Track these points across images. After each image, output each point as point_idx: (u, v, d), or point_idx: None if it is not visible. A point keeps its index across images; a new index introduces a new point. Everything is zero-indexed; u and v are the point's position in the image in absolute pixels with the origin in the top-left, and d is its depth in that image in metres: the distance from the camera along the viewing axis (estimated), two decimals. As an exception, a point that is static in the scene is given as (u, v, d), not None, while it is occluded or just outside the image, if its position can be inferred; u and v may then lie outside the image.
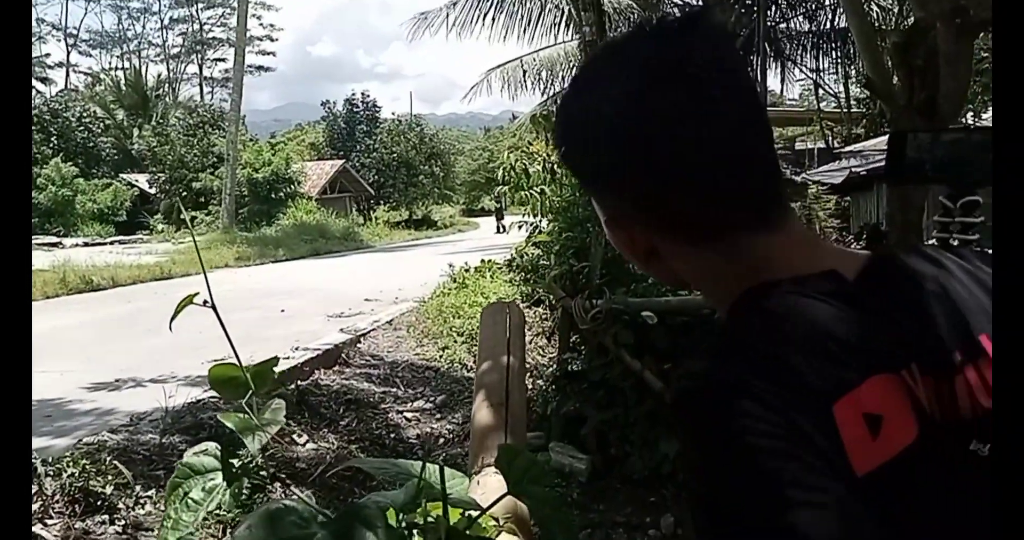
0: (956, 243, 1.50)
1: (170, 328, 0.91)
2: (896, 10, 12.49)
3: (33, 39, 59.22)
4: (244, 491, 0.82)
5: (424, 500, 0.80)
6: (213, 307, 0.89)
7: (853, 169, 11.01)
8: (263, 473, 0.85)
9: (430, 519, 0.80)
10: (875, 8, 12.75)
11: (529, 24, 13.72)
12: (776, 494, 0.59)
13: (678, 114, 0.70)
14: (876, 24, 11.41)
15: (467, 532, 0.82)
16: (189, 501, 0.78)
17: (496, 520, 1.00)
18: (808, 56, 15.58)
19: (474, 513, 0.91)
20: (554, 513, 0.82)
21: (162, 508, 2.99)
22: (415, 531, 0.79)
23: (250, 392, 0.87)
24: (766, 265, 0.74)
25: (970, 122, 4.65)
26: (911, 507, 0.64)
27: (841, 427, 0.61)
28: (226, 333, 0.87)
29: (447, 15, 14.25)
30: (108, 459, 3.43)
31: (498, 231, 30.66)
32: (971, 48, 3.24)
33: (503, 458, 0.85)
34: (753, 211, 0.74)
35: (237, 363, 0.90)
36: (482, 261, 11.48)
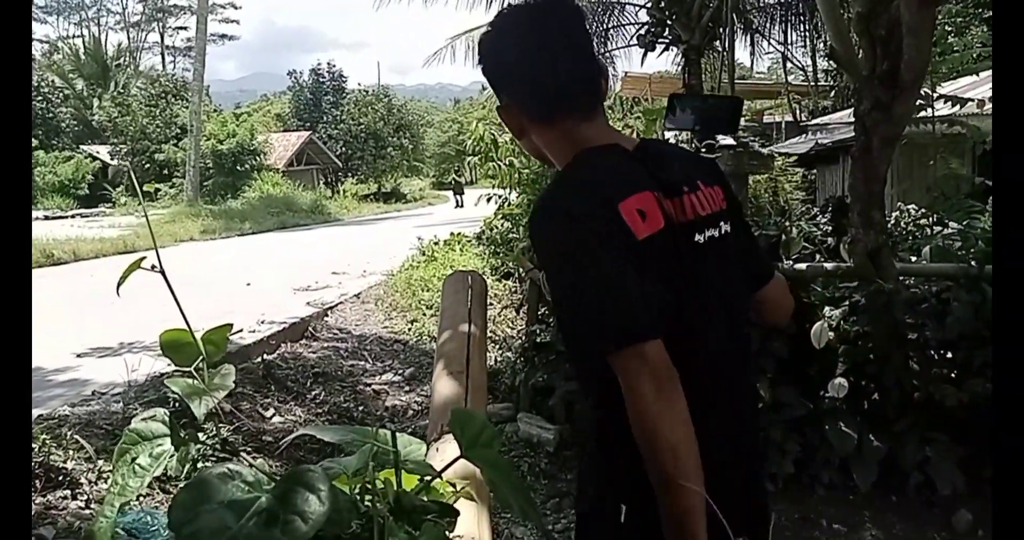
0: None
1: (117, 293, 0.89)
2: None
3: (-15, 5, 57.16)
4: (193, 457, 0.81)
5: (372, 465, 0.80)
6: (162, 272, 0.87)
7: (819, 142, 11.10)
8: (214, 439, 0.84)
9: (381, 484, 0.80)
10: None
11: (494, -7, 13.54)
12: (592, 247, 1.14)
13: (531, 46, 1.28)
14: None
15: (418, 495, 0.82)
16: (136, 467, 0.77)
17: (453, 485, 1.01)
18: (777, 29, 15.56)
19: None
20: (505, 476, 0.83)
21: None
22: (366, 496, 0.79)
23: (200, 357, 0.86)
24: (585, 141, 1.28)
25: (930, 91, 4.69)
26: (668, 263, 1.20)
27: (624, 215, 1.16)
28: (174, 296, 0.86)
29: (413, -18, 14.00)
30: (69, 433, 3.39)
31: (457, 205, 30.27)
32: (933, 18, 3.26)
33: (456, 422, 0.85)
34: (577, 107, 1.29)
35: (188, 328, 0.89)
36: (451, 234, 11.45)
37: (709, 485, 1.07)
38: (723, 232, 1.28)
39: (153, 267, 0.90)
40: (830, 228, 5.24)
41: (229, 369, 0.85)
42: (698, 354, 1.20)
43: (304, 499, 0.67)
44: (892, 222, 5.14)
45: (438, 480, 0.94)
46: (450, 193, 34.33)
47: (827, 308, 3.77)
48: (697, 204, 1.25)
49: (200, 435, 0.83)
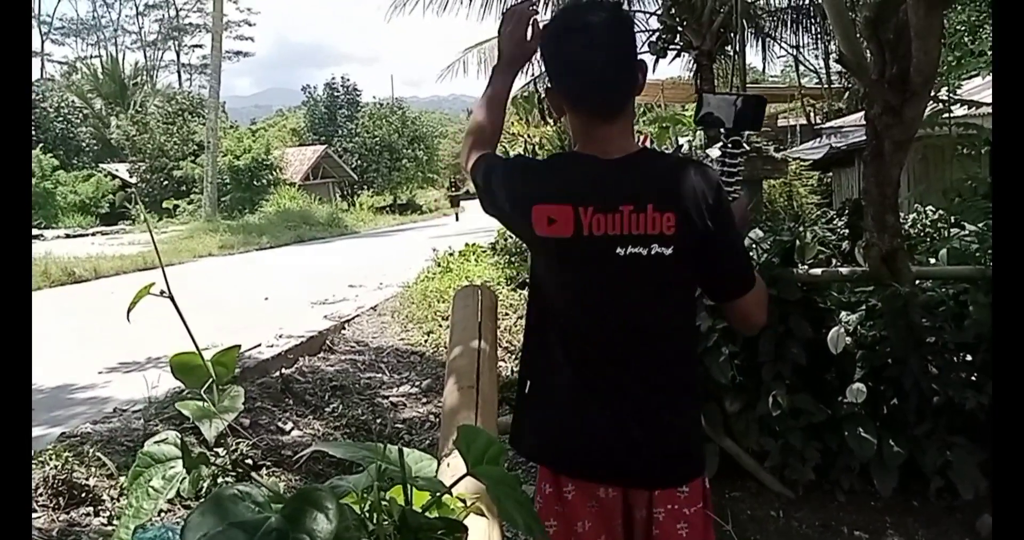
0: (726, 166, 2.06)
1: (128, 318, 0.91)
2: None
3: (5, 28, 58.10)
4: (205, 478, 0.83)
5: (376, 483, 0.81)
6: (171, 297, 0.89)
7: (834, 145, 11.05)
8: (226, 461, 0.86)
9: (387, 503, 0.81)
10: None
11: (507, 3, 13.61)
12: (493, 186, 1.63)
13: (568, 46, 1.53)
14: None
15: (426, 512, 0.83)
16: (149, 489, 0.79)
17: (463, 501, 1.02)
18: (788, 32, 15.52)
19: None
20: (510, 492, 0.84)
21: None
22: (374, 514, 0.80)
23: (210, 380, 0.88)
24: (591, 139, 1.55)
25: (942, 94, 4.68)
26: (568, 267, 1.53)
27: (533, 214, 1.49)
28: (183, 319, 0.88)
29: (424, -4, 14.09)
30: (91, 450, 3.43)
31: (457, 218, 29.47)
32: (940, 21, 3.25)
33: (462, 439, 0.86)
34: (594, 109, 1.53)
35: (197, 351, 0.91)
36: (466, 245, 11.47)
37: (591, 439, 1.54)
38: (652, 253, 1.48)
39: (162, 292, 0.92)
40: (846, 232, 5.22)
41: (238, 390, 0.87)
42: (578, 333, 1.56)
43: (313, 518, 0.68)
44: (908, 225, 5.12)
45: (448, 496, 0.96)
46: (476, 202, 34.15)
47: (844, 313, 3.75)
48: (633, 224, 1.47)
49: (217, 453, 0.84)
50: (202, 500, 0.71)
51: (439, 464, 1.15)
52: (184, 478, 0.79)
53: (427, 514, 0.83)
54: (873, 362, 3.56)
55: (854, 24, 3.74)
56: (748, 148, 6.11)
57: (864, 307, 3.74)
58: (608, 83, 1.51)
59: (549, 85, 1.60)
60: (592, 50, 1.49)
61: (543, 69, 1.71)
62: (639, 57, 1.57)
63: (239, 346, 0.99)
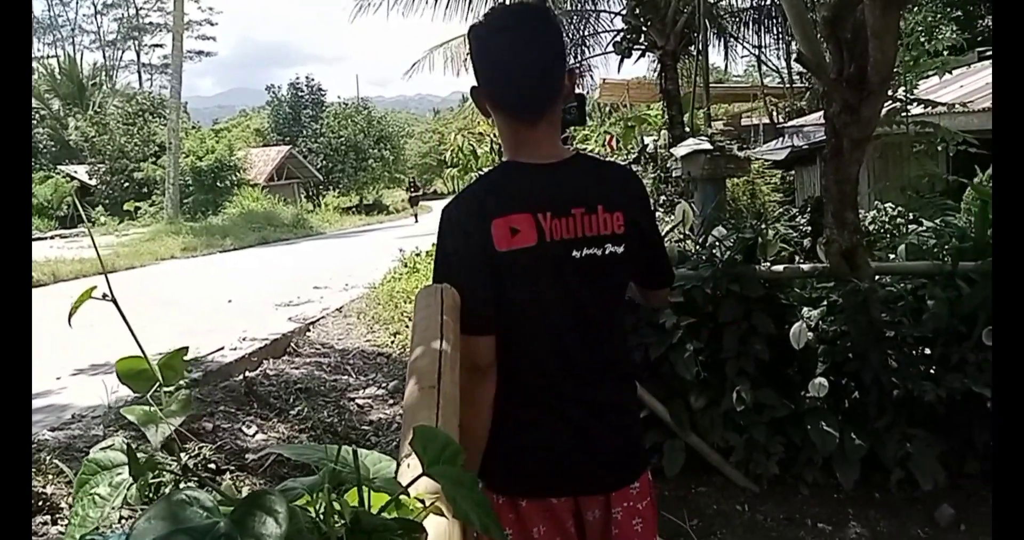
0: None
1: (69, 324, 0.89)
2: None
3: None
4: (167, 484, 0.81)
5: (327, 484, 0.80)
6: (114, 301, 0.86)
7: (795, 145, 11.20)
8: (177, 467, 0.84)
9: (338, 505, 0.80)
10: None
11: (472, 3, 13.58)
12: (445, 251, 1.52)
13: (494, 47, 1.52)
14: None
15: (383, 513, 0.82)
16: (96, 497, 0.77)
17: (422, 501, 1.00)
18: (751, 32, 15.71)
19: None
20: (467, 492, 0.83)
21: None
22: (328, 517, 0.79)
23: (156, 383, 0.86)
24: (520, 144, 1.55)
25: (900, 93, 4.77)
26: (532, 276, 1.49)
27: (493, 230, 1.45)
28: (126, 322, 0.86)
29: (389, -6, 14.01)
30: (48, 458, 3.35)
31: (416, 220, 28.63)
32: (897, 21, 3.30)
33: (418, 440, 0.85)
34: (517, 112, 1.53)
35: (143, 355, 0.88)
36: (433, 244, 11.41)
37: (559, 449, 1.54)
38: (607, 252, 1.53)
39: (104, 296, 0.90)
40: (808, 229, 5.29)
41: (186, 394, 0.85)
42: (540, 345, 1.54)
43: (262, 522, 0.67)
44: (869, 221, 5.20)
45: (407, 497, 0.94)
46: (445, 202, 33.61)
47: (805, 309, 3.80)
48: (586, 225, 1.51)
49: (170, 458, 0.82)
50: (149, 505, 0.69)
51: (399, 465, 1.14)
52: (131, 485, 0.77)
53: (383, 515, 0.81)
54: (834, 357, 3.62)
55: (813, 24, 3.79)
56: (712, 148, 6.14)
57: (825, 303, 3.80)
58: (530, 86, 1.51)
59: (475, 85, 1.59)
60: (515, 52, 1.50)
61: None
62: (566, 64, 1.59)
63: (186, 348, 0.96)
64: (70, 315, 0.87)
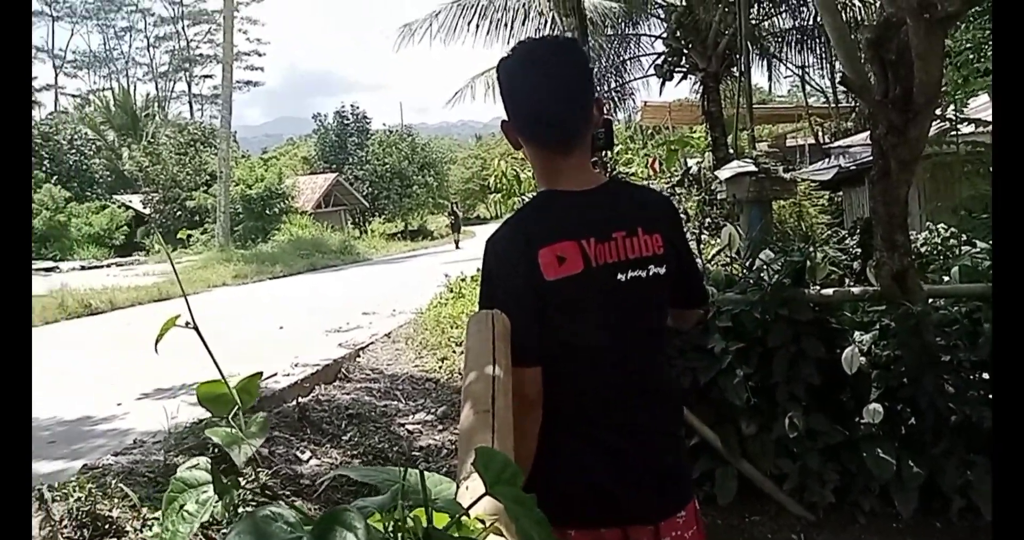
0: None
1: (156, 350, 0.95)
2: (865, 6, 12.62)
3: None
4: (236, 502, 0.86)
5: (402, 503, 0.84)
6: (196, 329, 0.93)
7: (842, 165, 11.07)
8: (253, 484, 0.89)
9: (411, 522, 0.84)
10: (856, 3, 12.84)
11: (513, 30, 13.79)
12: (492, 282, 1.53)
13: (525, 80, 1.56)
14: (851, 20, 11.52)
15: (448, 532, 0.86)
16: (184, 513, 0.82)
17: (482, 521, 1.04)
18: (793, 53, 15.64)
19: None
20: (527, 512, 0.86)
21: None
22: (399, 534, 0.83)
23: (236, 407, 0.92)
24: (555, 173, 1.58)
25: (949, 112, 4.71)
26: (581, 303, 1.51)
27: (540, 259, 1.47)
28: (208, 351, 0.92)
29: (431, 25, 14.31)
30: (114, 482, 3.46)
31: (457, 247, 28.55)
32: (942, 41, 3.28)
33: (480, 460, 0.89)
34: (550, 142, 1.57)
35: (223, 380, 0.94)
36: (478, 270, 11.51)
37: (606, 478, 1.53)
38: (651, 274, 1.56)
39: (187, 324, 0.96)
40: (858, 251, 5.22)
41: (264, 416, 0.90)
42: (586, 372, 1.56)
43: (343, 537, 0.71)
44: (921, 243, 5.11)
45: (467, 518, 0.98)
46: (489, 226, 33.41)
47: (857, 333, 3.75)
48: (629, 248, 1.54)
49: (240, 480, 0.88)
50: (236, 521, 0.74)
51: (457, 487, 1.17)
52: (216, 502, 0.82)
53: (450, 533, 0.86)
54: (888, 382, 3.55)
55: (857, 46, 3.79)
56: (756, 170, 6.11)
57: (877, 327, 3.74)
58: (561, 118, 1.55)
59: (505, 119, 1.62)
60: (544, 85, 1.54)
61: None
62: (595, 93, 1.64)
63: (261, 373, 1.02)
64: (156, 342, 0.94)
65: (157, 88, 65.95)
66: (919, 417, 3.48)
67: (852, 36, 4.02)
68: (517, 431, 1.43)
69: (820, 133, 18.57)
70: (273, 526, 0.72)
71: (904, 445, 3.50)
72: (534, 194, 1.65)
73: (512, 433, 1.48)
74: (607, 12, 14.49)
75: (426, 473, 1.03)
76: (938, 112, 4.47)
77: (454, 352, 7.32)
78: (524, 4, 13.83)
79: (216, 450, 4.07)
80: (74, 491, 3.27)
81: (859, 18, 12.46)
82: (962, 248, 4.47)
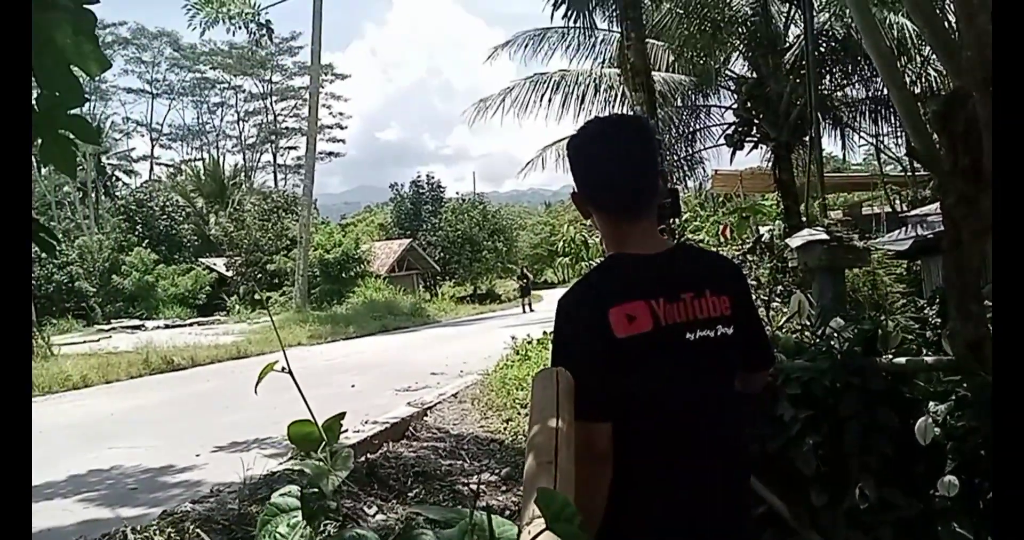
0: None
1: (255, 391, 1.08)
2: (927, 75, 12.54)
3: (121, 135, 63.44)
4: (323, 527, 0.96)
5: (469, 533, 0.93)
6: (290, 372, 1.05)
7: (919, 233, 10.82)
8: (336, 511, 0.99)
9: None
10: (931, 73, 12.76)
11: (584, 103, 14.16)
12: (564, 341, 1.60)
13: (596, 154, 1.68)
14: (925, 90, 11.45)
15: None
16: (277, 535, 0.93)
17: (541, 561, 1.11)
18: (868, 122, 15.56)
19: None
20: (584, 546, 0.94)
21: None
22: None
23: (323, 443, 1.03)
24: (624, 240, 1.66)
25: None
26: (650, 361, 1.54)
27: (611, 318, 1.52)
28: (300, 392, 1.04)
29: (504, 99, 14.81)
30: (192, 528, 3.61)
31: (524, 310, 28.44)
32: (1010, 113, 3.30)
33: (541, 499, 0.97)
34: (621, 209, 1.66)
35: (312, 419, 1.06)
36: (543, 333, 11.57)
37: (676, 536, 1.56)
38: (719, 334, 1.61)
39: (283, 369, 1.09)
40: (938, 321, 5.09)
41: (348, 452, 1.01)
42: (658, 430, 1.58)
43: (416, 557, 0.81)
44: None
45: (529, 557, 1.06)
46: (556, 291, 32.52)
47: (931, 403, 3.66)
48: (697, 309, 1.60)
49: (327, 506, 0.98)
50: None
51: (520, 532, 1.25)
52: (305, 526, 0.92)
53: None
54: (964, 454, 3.44)
55: (924, 117, 3.82)
56: (829, 239, 6.07)
57: (953, 397, 3.65)
58: (631, 189, 1.66)
59: (575, 190, 1.74)
60: (611, 158, 1.65)
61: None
62: (660, 164, 1.76)
63: (344, 414, 1.14)
64: (256, 385, 1.06)
65: (244, 159, 69.58)
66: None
67: (919, 107, 4.05)
68: (587, 486, 1.49)
69: (897, 202, 18.21)
70: (357, 544, 0.82)
71: (981, 520, 3.36)
72: (603, 258, 1.73)
73: (573, 482, 1.55)
74: (677, 85, 14.75)
75: (492, 514, 1.12)
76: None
77: (519, 413, 7.34)
78: (595, 79, 14.22)
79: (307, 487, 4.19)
80: (155, 535, 3.43)
81: (934, 88, 12.37)
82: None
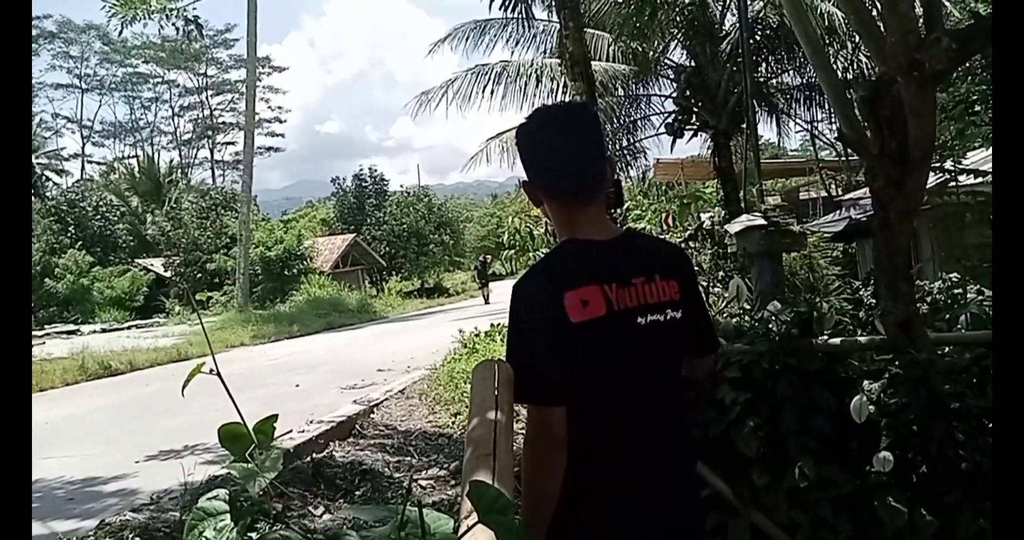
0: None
1: (182, 394, 1.04)
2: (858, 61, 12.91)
3: (50, 133, 61.16)
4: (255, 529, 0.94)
5: (399, 530, 0.91)
6: (218, 374, 1.02)
7: (852, 217, 11.15)
8: (266, 513, 0.97)
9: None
10: (862, 59, 13.12)
11: (526, 94, 14.18)
12: (519, 325, 1.61)
13: (547, 140, 1.70)
14: (857, 76, 11.77)
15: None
16: (203, 539, 0.90)
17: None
18: (803, 108, 15.93)
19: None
20: (516, 539, 0.93)
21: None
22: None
23: (252, 445, 1.00)
24: (576, 224, 1.68)
25: (948, 164, 4.82)
26: (603, 345, 1.56)
27: (566, 302, 1.53)
28: (229, 395, 1.00)
29: (446, 92, 14.74)
30: (131, 537, 3.51)
31: (486, 301, 28.35)
32: (933, 97, 3.40)
33: (473, 492, 0.96)
34: (574, 194, 1.68)
35: (242, 421, 1.03)
36: (491, 325, 11.59)
37: (630, 519, 1.56)
38: (668, 318, 1.65)
39: (211, 371, 1.05)
40: (872, 302, 5.24)
41: (279, 453, 0.99)
42: (611, 415, 1.61)
43: (343, 558, 0.79)
44: (936, 291, 5.13)
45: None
46: (505, 282, 31.69)
47: (866, 382, 3.77)
48: (648, 293, 1.63)
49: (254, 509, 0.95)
50: (248, 544, 0.82)
51: (457, 526, 1.24)
52: (232, 529, 0.90)
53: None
54: (898, 430, 3.55)
55: (852, 102, 3.92)
56: (766, 224, 6.20)
57: (886, 375, 3.76)
58: (581, 173, 1.68)
59: (526, 179, 1.76)
60: (562, 144, 1.67)
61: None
62: (606, 151, 1.78)
63: (276, 416, 1.11)
64: (183, 388, 1.03)
65: (180, 155, 67.67)
66: (930, 465, 3.47)
67: (848, 93, 4.15)
68: (541, 471, 1.54)
69: (832, 186, 18.69)
70: (283, 547, 0.80)
71: (916, 494, 3.48)
72: (555, 246, 1.75)
73: (513, 476, 1.55)
74: (617, 74, 14.86)
75: (425, 510, 1.11)
76: (936, 164, 4.56)
77: (467, 407, 7.32)
78: (536, 70, 14.25)
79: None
80: (92, 546, 3.33)
81: (865, 74, 12.71)
82: (966, 296, 4.50)
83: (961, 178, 5.07)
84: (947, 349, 3.80)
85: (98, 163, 64.99)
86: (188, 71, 68.54)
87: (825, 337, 3.91)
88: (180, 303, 30.19)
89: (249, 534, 0.88)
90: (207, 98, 70.13)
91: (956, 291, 4.60)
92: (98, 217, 37.76)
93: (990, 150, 8.09)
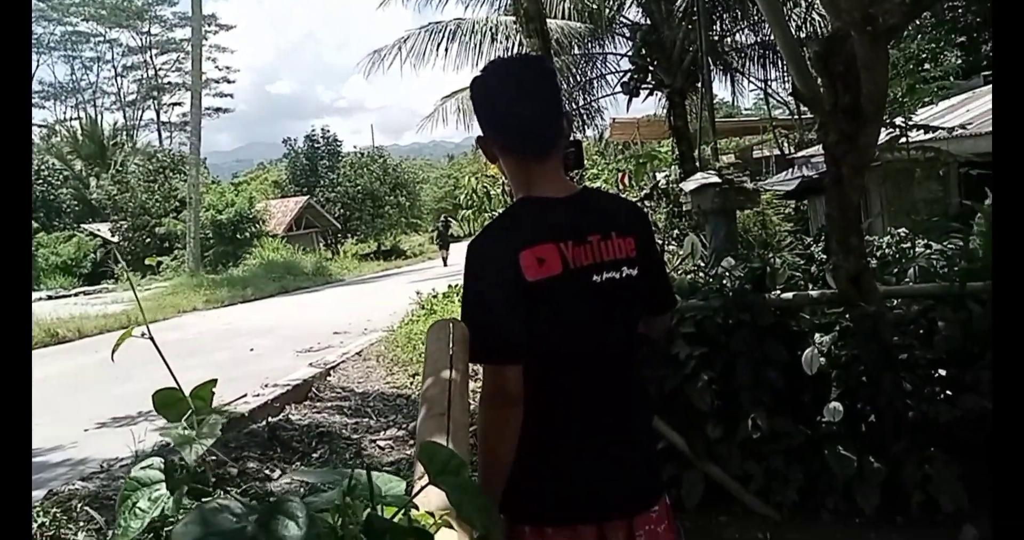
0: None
1: (112, 359, 0.98)
2: (812, 19, 12.98)
3: (-16, 94, 58.48)
4: (187, 499, 0.89)
5: (346, 495, 0.88)
6: (151, 338, 0.96)
7: (805, 175, 11.27)
8: (203, 480, 0.92)
9: (357, 508, 0.88)
10: (815, 17, 13.15)
11: (481, 52, 13.94)
12: (474, 284, 1.57)
13: (502, 93, 1.63)
14: (810, 33, 11.84)
15: (392, 521, 0.90)
16: (137, 510, 0.86)
17: (432, 515, 1.08)
18: (756, 67, 15.97)
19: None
20: (471, 498, 0.91)
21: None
22: (342, 520, 0.87)
23: (190, 411, 0.95)
24: (531, 180, 1.63)
25: (899, 120, 4.88)
26: (560, 304, 1.55)
27: (521, 260, 1.51)
28: (163, 357, 0.95)
29: (400, 50, 14.41)
30: (80, 506, 3.44)
31: (446, 263, 26.94)
32: (886, 53, 3.41)
33: (424, 453, 0.93)
34: (530, 148, 1.63)
35: (177, 386, 0.98)
36: (449, 286, 11.55)
37: (584, 476, 1.57)
38: (624, 275, 1.63)
39: (143, 335, 1.00)
40: (824, 257, 5.33)
41: (217, 419, 0.94)
42: (567, 372, 1.60)
43: (284, 526, 0.75)
44: (885, 245, 5.23)
45: (419, 512, 1.02)
46: (461, 245, 31.15)
47: (816, 335, 3.83)
48: (604, 250, 1.61)
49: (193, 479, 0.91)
50: (186, 512, 0.78)
51: (409, 486, 1.21)
52: (168, 498, 0.85)
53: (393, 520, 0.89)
54: (848, 382, 3.64)
55: (807, 59, 3.91)
56: (720, 181, 6.23)
57: (837, 328, 3.84)
58: (537, 127, 1.62)
59: (481, 134, 1.70)
60: (519, 97, 1.62)
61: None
62: (563, 106, 1.72)
63: (215, 380, 1.06)
64: (113, 351, 0.97)
65: (125, 117, 65.24)
66: (878, 415, 3.57)
67: (802, 50, 4.14)
68: (497, 430, 1.52)
69: (785, 144, 18.87)
70: (219, 516, 0.76)
71: (865, 443, 3.58)
72: (511, 204, 1.70)
73: (467, 435, 1.52)
74: (573, 33, 14.68)
75: (376, 473, 1.07)
76: (889, 120, 4.60)
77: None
78: (491, 28, 13.99)
79: (183, 471, 4.04)
80: (39, 516, 3.24)
81: (818, 32, 12.76)
82: (914, 250, 4.59)
83: (911, 134, 5.13)
84: (896, 302, 3.88)
85: (39, 126, 62.28)
86: (131, 29, 65.75)
87: (778, 292, 3.96)
88: (129, 268, 29.45)
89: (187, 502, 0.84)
90: (151, 58, 67.52)
91: (905, 245, 4.70)
92: (40, 182, 36.44)
93: (940, 105, 8.22)
